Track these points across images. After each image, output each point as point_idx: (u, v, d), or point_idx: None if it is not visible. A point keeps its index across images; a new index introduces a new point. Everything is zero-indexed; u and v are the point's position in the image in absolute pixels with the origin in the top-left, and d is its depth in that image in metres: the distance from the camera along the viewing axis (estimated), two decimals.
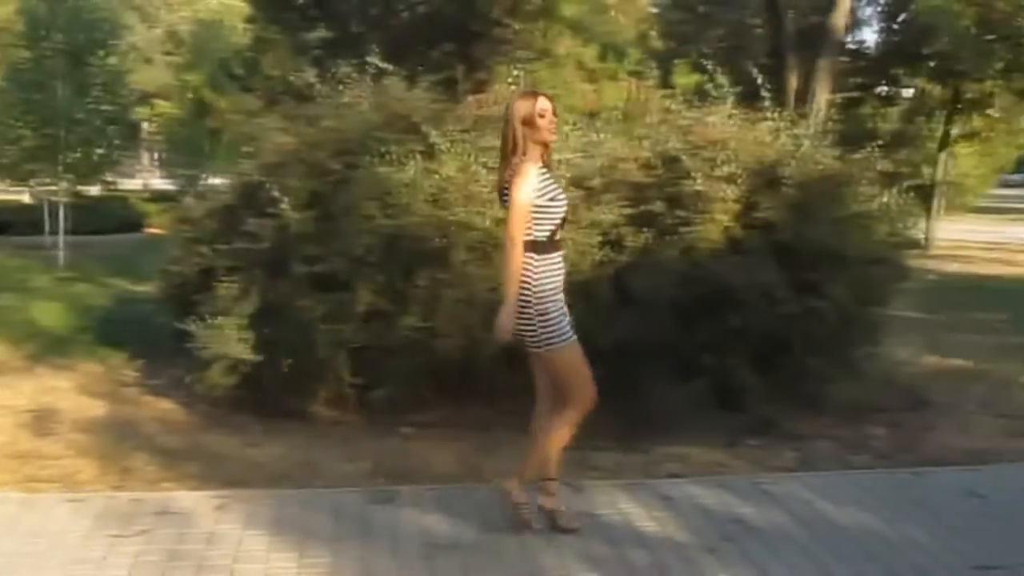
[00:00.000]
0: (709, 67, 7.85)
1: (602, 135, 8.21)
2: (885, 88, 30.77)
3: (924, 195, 24.39)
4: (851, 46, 30.95)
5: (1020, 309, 14.30)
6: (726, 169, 7.24)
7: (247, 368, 6.95)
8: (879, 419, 7.01)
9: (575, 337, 4.89)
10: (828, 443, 6.82)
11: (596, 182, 7.50)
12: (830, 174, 7.50)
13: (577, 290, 7.08)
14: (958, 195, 43.20)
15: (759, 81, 7.83)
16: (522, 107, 4.85)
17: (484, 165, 7.16)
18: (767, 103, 7.74)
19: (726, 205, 7.17)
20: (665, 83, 12.93)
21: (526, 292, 4.73)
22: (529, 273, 4.75)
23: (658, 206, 7.25)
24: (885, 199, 7.64)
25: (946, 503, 5.50)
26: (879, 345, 7.78)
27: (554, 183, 4.95)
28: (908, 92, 31.65)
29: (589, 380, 4.90)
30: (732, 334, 6.92)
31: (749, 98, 7.83)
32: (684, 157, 7.38)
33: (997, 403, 8.16)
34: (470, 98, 9.83)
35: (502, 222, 6.82)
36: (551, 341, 4.79)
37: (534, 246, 4.76)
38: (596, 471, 6.07)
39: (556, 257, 4.86)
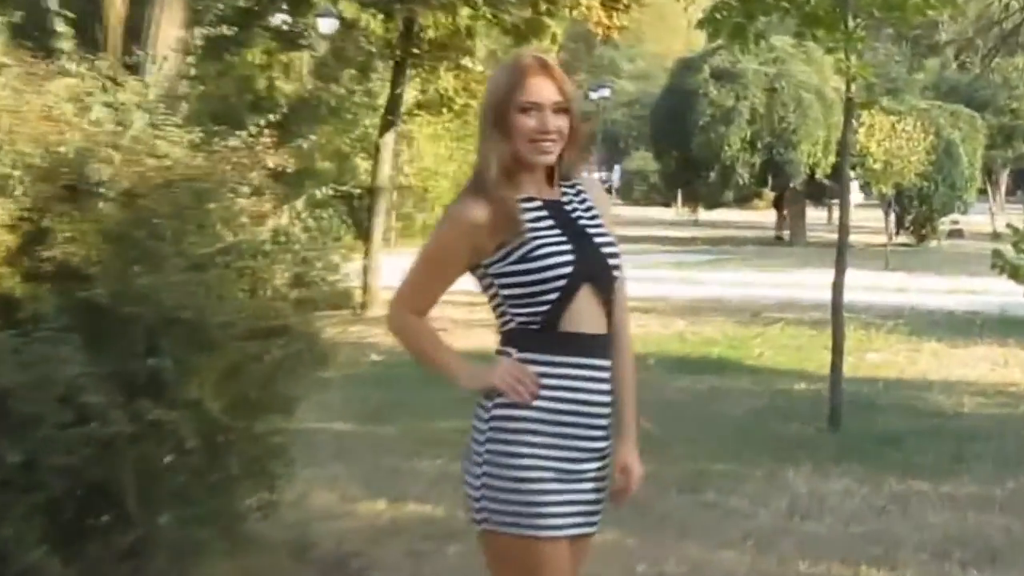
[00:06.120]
0: None
1: None
2: (287, 19, 17.50)
3: (357, 208, 17.53)
4: None
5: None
6: None
7: None
8: None
9: None
10: None
11: None
12: (185, 176, 4.96)
13: None
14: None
15: (50, 6, 5.19)
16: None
17: None
18: (65, 45, 5.10)
19: None
20: None
21: None
22: None
23: None
24: (285, 219, 5.35)
25: None
26: (283, 486, 4.96)
27: None
28: (330, 26, 18.10)
29: None
30: (10, 482, 4.35)
31: (33, 36, 5.20)
32: None
33: None
34: None
35: None
36: None
37: None
38: None
39: None
